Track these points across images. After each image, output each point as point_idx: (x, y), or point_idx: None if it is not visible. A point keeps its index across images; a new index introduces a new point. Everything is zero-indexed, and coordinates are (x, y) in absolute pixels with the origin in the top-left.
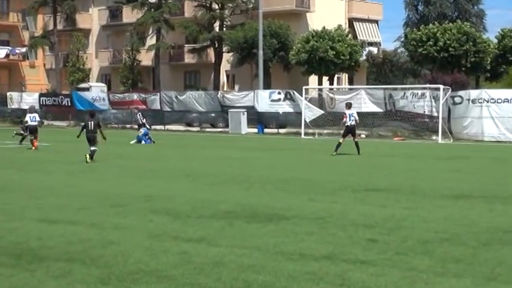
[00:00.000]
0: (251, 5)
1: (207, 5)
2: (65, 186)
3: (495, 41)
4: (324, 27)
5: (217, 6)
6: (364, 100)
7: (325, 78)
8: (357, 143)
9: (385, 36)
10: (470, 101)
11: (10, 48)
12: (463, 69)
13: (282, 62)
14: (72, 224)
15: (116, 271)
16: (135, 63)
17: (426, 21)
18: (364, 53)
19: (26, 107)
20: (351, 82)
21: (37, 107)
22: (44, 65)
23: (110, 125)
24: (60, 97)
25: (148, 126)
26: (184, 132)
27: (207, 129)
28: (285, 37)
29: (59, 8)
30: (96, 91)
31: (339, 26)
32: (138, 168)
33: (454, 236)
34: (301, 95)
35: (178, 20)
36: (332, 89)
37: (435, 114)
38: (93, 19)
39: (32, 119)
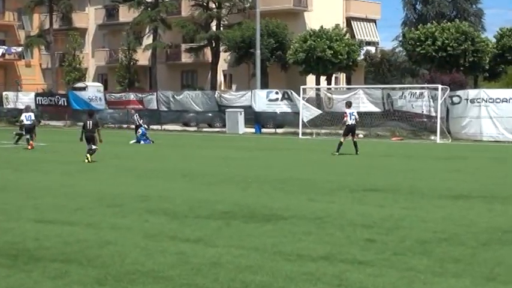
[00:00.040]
0: (248, 4)
1: (204, 4)
2: (61, 186)
3: (494, 40)
4: (321, 27)
5: (214, 6)
6: (362, 100)
7: (322, 78)
8: (355, 143)
9: (383, 36)
10: (468, 101)
11: (6, 47)
12: (462, 68)
13: (280, 61)
14: (69, 224)
15: (113, 271)
16: (131, 63)
17: (424, 20)
18: (362, 52)
19: (22, 106)
20: (348, 82)
21: (33, 106)
22: (40, 64)
23: (107, 125)
24: (57, 97)
25: (146, 126)
26: (182, 132)
27: (204, 129)
28: (283, 36)
29: (55, 7)
30: (92, 91)
31: (337, 26)
32: (135, 168)
33: (452, 236)
34: (299, 95)
35: (175, 19)
36: (330, 88)
37: (433, 114)
38: (89, 18)
39: (27, 118)
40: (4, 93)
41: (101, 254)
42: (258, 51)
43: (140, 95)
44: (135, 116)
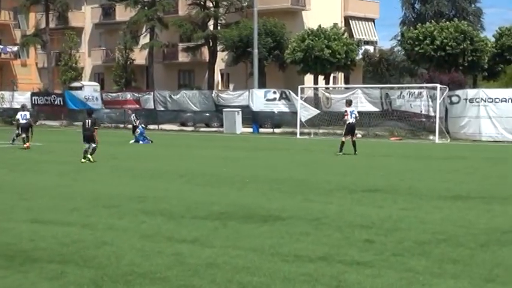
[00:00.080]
0: (246, 3)
1: (202, 3)
2: (58, 186)
3: (492, 39)
4: (319, 26)
5: (211, 5)
6: (361, 99)
7: (320, 77)
8: (354, 143)
9: (381, 35)
10: (467, 101)
11: (1, 46)
12: (460, 68)
13: (277, 60)
14: (65, 225)
15: (109, 272)
16: (128, 62)
17: (423, 19)
18: (361, 51)
19: (17, 106)
20: (347, 81)
21: (29, 106)
22: (36, 63)
23: (103, 125)
24: (53, 96)
25: (143, 125)
26: (179, 132)
27: (202, 129)
28: (280, 36)
29: (51, 6)
30: (88, 90)
31: (335, 25)
32: (132, 169)
33: (451, 237)
34: (297, 94)
35: (172, 18)
36: (328, 88)
37: (432, 113)
38: (85, 17)
39: (23, 117)
40: (0, 92)
41: (98, 255)
42: (256, 51)
43: (137, 95)
44: (132, 116)
